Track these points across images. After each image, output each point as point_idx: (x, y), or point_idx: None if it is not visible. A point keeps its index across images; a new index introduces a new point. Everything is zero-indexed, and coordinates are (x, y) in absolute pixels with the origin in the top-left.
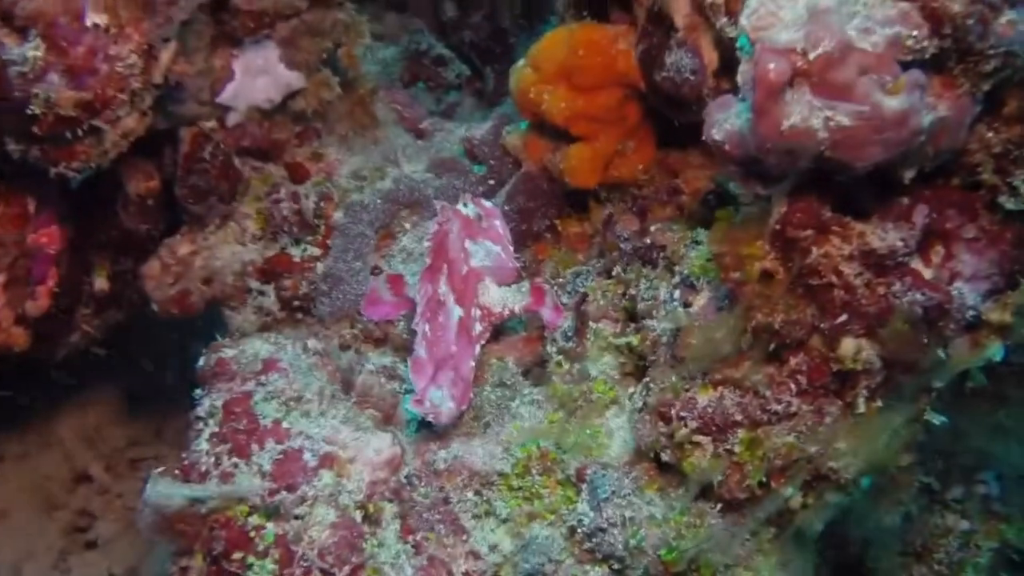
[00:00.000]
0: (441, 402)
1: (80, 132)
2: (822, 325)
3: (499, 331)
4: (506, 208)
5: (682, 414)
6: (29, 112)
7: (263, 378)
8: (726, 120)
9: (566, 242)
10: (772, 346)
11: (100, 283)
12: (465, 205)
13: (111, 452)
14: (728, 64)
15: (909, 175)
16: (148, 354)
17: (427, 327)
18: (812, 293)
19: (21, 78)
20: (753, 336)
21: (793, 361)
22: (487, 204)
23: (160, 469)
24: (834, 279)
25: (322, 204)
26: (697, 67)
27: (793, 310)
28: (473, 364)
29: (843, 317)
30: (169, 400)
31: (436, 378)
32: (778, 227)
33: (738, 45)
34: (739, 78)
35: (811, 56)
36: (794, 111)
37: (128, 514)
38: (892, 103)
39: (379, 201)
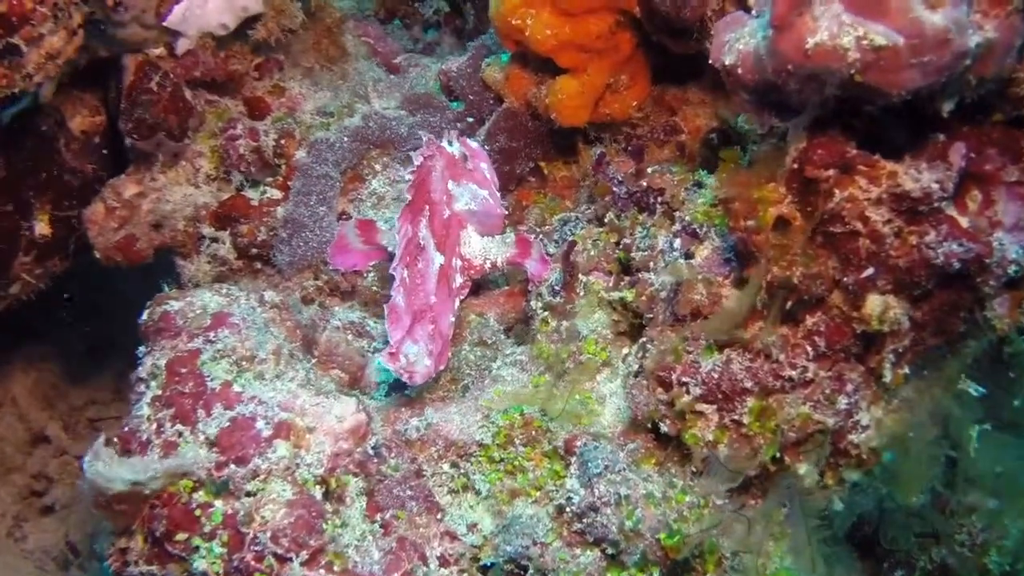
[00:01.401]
0: (417, 358)
1: None
2: (845, 280)
3: (479, 284)
4: (486, 148)
5: (684, 380)
6: None
7: (212, 335)
8: (738, 40)
9: (552, 186)
10: (789, 304)
11: (41, 228)
12: (450, 143)
13: (69, 411)
14: None
15: (948, 107)
16: (110, 305)
17: (406, 272)
18: (834, 243)
19: None
20: (767, 292)
21: (810, 321)
22: (473, 145)
23: (103, 438)
24: (859, 226)
25: (283, 142)
26: None
27: (813, 262)
28: (453, 320)
29: (869, 271)
30: (131, 356)
31: (412, 331)
32: (796, 166)
33: None
34: None
35: None
36: (821, 26)
37: None
38: (935, 19)
39: (346, 139)
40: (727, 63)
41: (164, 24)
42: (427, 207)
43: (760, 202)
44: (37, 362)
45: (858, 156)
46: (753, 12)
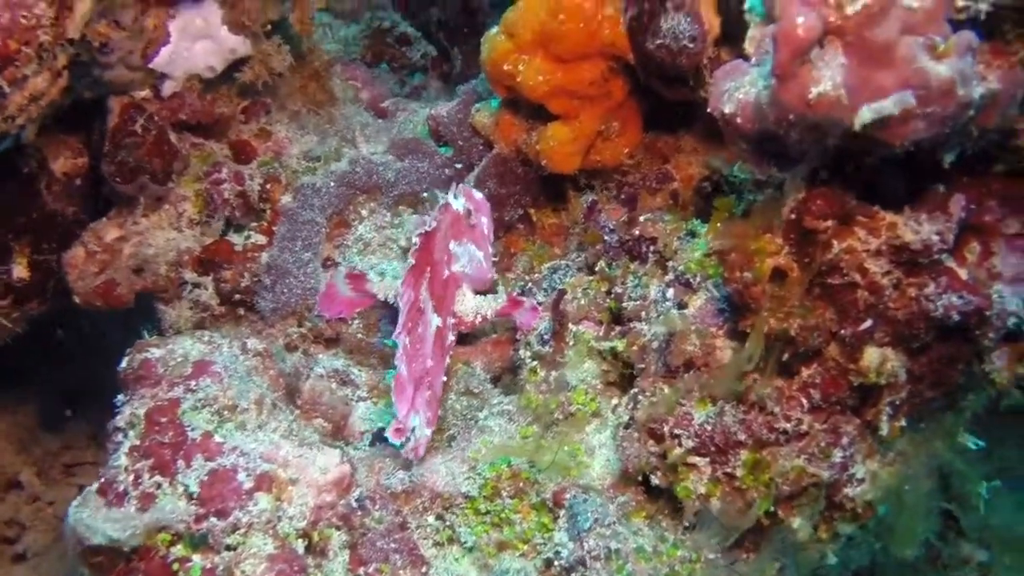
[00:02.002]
0: (420, 431)
1: None
2: (842, 331)
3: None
4: None
5: (676, 432)
6: None
7: (193, 383)
8: (738, 89)
9: (541, 233)
10: (785, 356)
11: (19, 271)
12: (456, 197)
13: (44, 457)
14: (730, 34)
15: (950, 158)
16: (88, 350)
17: (407, 340)
18: (832, 294)
19: None
20: (764, 345)
21: (806, 373)
22: (478, 196)
23: (97, 486)
24: (858, 278)
25: (269, 186)
26: (697, 33)
27: (810, 314)
28: (444, 379)
29: (867, 323)
30: (108, 402)
31: (415, 401)
32: (794, 216)
33: (747, 7)
34: (747, 45)
35: (847, 9)
36: (824, 76)
37: (61, 524)
38: (940, 70)
39: (332, 184)
40: (726, 112)
41: (151, 66)
42: (429, 268)
43: (757, 253)
44: (12, 406)
45: (857, 207)
46: (752, 60)
